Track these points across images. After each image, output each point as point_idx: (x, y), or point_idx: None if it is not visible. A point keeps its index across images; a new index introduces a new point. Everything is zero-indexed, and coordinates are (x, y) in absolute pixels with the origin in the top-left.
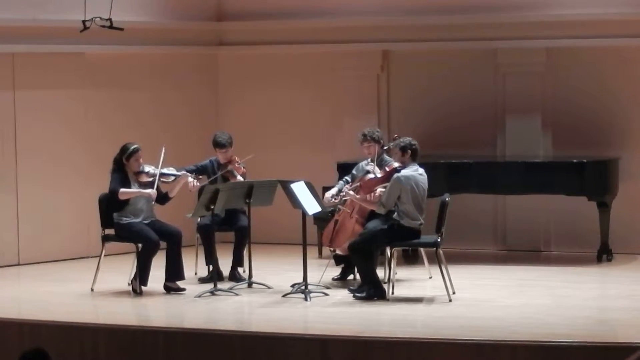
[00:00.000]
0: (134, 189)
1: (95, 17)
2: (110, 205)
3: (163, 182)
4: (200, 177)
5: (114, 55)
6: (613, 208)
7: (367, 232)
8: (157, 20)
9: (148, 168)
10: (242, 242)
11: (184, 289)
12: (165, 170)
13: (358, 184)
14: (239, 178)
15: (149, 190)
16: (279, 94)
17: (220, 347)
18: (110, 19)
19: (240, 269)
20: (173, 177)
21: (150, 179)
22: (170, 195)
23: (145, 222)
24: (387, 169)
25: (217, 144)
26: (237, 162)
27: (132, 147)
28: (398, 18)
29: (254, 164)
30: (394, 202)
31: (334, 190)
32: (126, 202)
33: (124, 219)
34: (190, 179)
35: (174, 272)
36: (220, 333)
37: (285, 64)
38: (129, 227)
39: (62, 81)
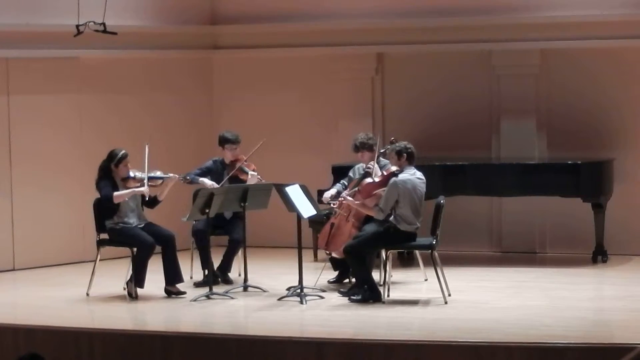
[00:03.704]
0: (127, 190)
1: (89, 22)
2: (101, 213)
3: (151, 185)
4: (188, 177)
5: (108, 60)
6: (608, 209)
7: (363, 235)
8: (151, 24)
9: (134, 173)
10: (233, 252)
11: (184, 292)
12: (152, 174)
13: (356, 188)
14: (252, 173)
15: (141, 188)
16: (274, 97)
17: (216, 351)
18: (104, 24)
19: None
20: (161, 180)
21: (138, 184)
22: (160, 198)
23: (139, 225)
24: (385, 173)
25: (228, 141)
26: (245, 160)
27: (121, 153)
28: (392, 21)
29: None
30: (392, 207)
31: (332, 191)
32: (116, 207)
33: (119, 224)
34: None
35: (173, 276)
36: (216, 337)
37: (279, 67)
38: (123, 232)
39: (56, 86)
